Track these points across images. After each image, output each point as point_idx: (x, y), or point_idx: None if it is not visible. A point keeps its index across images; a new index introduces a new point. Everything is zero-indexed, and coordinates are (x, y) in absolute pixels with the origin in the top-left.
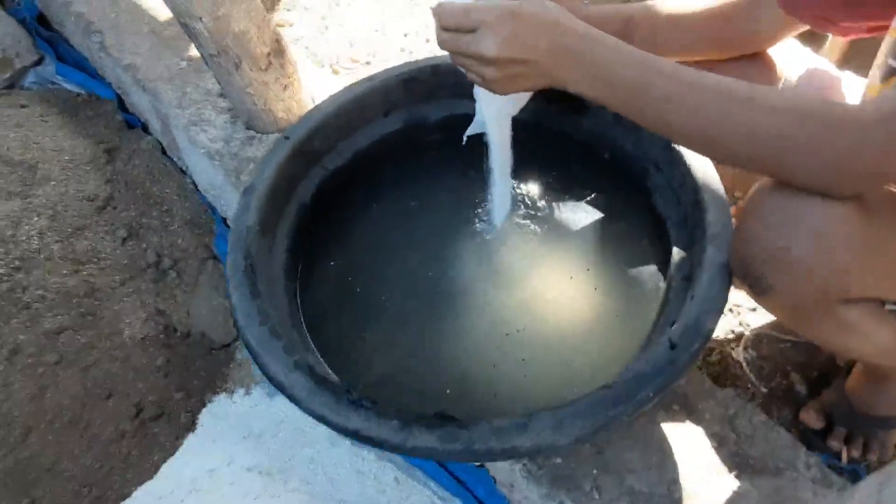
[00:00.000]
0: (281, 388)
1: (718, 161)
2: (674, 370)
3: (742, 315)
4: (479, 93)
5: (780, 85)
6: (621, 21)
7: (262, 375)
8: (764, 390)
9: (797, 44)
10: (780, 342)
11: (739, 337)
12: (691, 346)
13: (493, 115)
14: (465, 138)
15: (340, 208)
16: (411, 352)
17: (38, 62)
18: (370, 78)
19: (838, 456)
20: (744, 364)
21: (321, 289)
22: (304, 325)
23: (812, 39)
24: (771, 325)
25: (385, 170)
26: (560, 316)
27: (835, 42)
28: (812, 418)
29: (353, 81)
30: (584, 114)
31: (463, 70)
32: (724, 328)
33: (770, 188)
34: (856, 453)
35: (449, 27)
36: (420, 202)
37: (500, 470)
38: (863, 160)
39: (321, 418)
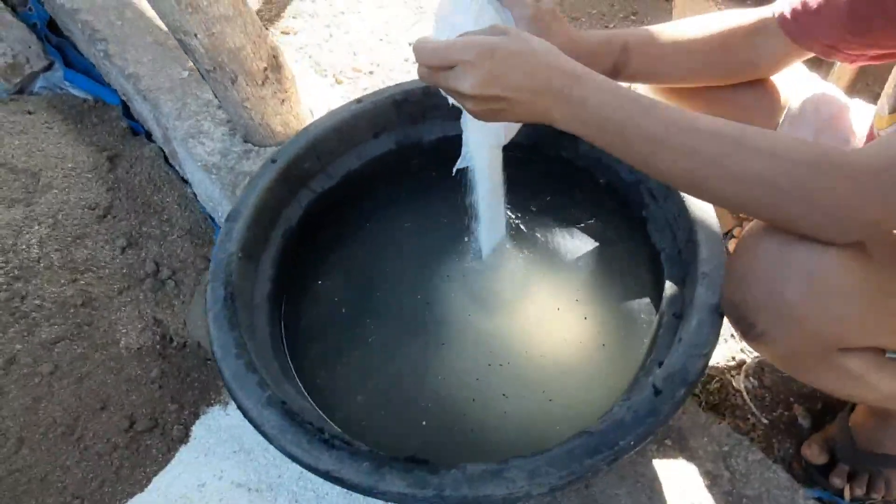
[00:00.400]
0: (253, 423)
1: (709, 202)
2: (656, 419)
3: (745, 343)
4: (466, 124)
5: (784, 112)
6: (618, 48)
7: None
8: (765, 422)
9: (804, 69)
10: (783, 372)
11: (741, 364)
12: (675, 394)
13: (480, 147)
14: (454, 171)
15: (329, 231)
16: (393, 380)
17: (48, 67)
18: (359, 100)
19: (841, 494)
20: (744, 393)
21: (307, 314)
22: (286, 352)
23: (819, 65)
24: None
25: (376, 192)
26: (546, 350)
27: (843, 68)
28: (814, 453)
29: (342, 105)
30: (580, 138)
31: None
32: (725, 355)
33: (763, 229)
34: (859, 492)
35: (428, 65)
36: (411, 225)
37: None
38: (861, 209)
39: (292, 457)
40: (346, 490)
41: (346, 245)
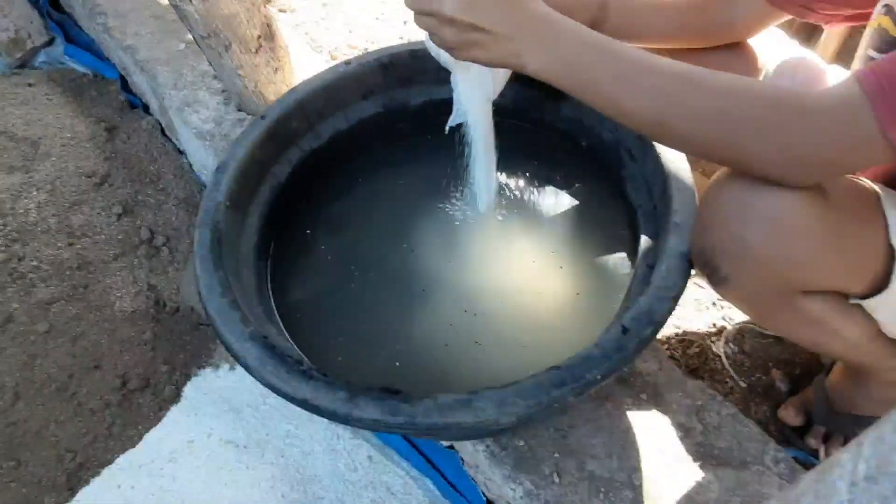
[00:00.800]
0: (235, 356)
1: (674, 147)
2: (623, 355)
3: (726, 309)
4: (458, 81)
5: (761, 76)
6: (595, 5)
7: None
8: (743, 385)
9: (782, 34)
10: (763, 337)
11: (721, 331)
12: (642, 333)
13: (472, 102)
14: (447, 128)
15: (317, 188)
16: (371, 325)
17: (49, 43)
18: (348, 62)
19: (816, 454)
20: (724, 358)
21: (292, 264)
22: (271, 298)
23: (809, 38)
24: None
25: (364, 152)
26: (522, 301)
27: (828, 39)
28: (791, 415)
29: (330, 66)
30: (563, 101)
31: (427, 32)
32: (706, 321)
33: (727, 178)
34: (834, 452)
35: None
36: (398, 184)
37: (467, 451)
38: (817, 147)
39: (272, 387)
40: (331, 448)
41: (334, 201)
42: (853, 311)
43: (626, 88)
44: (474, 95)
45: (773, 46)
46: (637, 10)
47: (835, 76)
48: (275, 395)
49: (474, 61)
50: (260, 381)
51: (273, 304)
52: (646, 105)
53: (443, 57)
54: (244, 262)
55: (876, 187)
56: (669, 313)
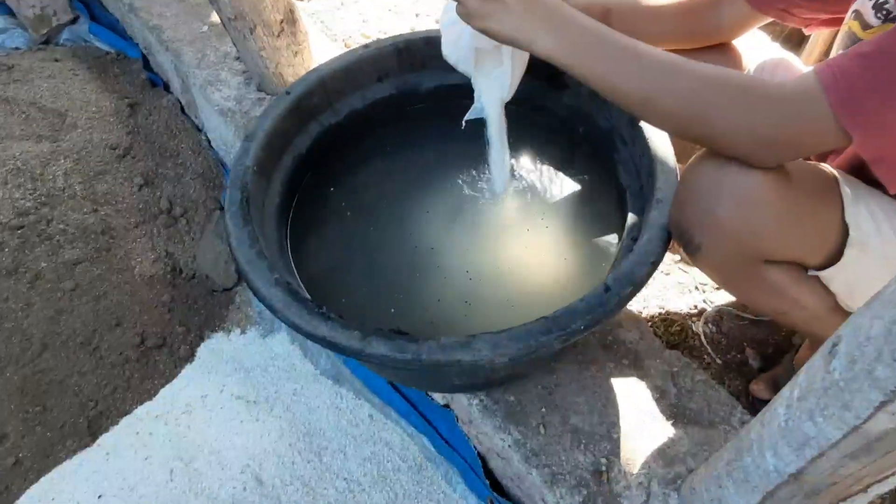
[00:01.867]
0: (262, 300)
1: (657, 125)
2: (604, 309)
3: (707, 293)
4: (477, 83)
5: (745, 71)
6: (600, 11)
7: (257, 313)
8: (719, 362)
9: (765, 37)
10: (740, 319)
11: (701, 312)
12: (622, 290)
13: (490, 103)
14: (464, 123)
15: (334, 160)
16: (376, 278)
17: (74, 21)
18: (367, 45)
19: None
20: (702, 336)
21: (309, 225)
22: (290, 254)
23: (800, 45)
24: (733, 304)
25: (377, 131)
26: (514, 268)
27: (813, 45)
28: (761, 389)
29: (351, 48)
30: (564, 91)
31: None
32: (688, 303)
33: (702, 157)
34: None
35: None
36: (408, 160)
37: (461, 407)
38: (779, 129)
39: (295, 326)
40: (335, 405)
41: (348, 173)
42: (812, 282)
43: (619, 70)
44: (492, 96)
45: (755, 47)
46: (637, 15)
47: None
48: (281, 357)
49: (485, 32)
50: (284, 322)
51: (291, 258)
52: (635, 85)
53: (461, 65)
54: (267, 221)
55: (835, 172)
56: (649, 276)
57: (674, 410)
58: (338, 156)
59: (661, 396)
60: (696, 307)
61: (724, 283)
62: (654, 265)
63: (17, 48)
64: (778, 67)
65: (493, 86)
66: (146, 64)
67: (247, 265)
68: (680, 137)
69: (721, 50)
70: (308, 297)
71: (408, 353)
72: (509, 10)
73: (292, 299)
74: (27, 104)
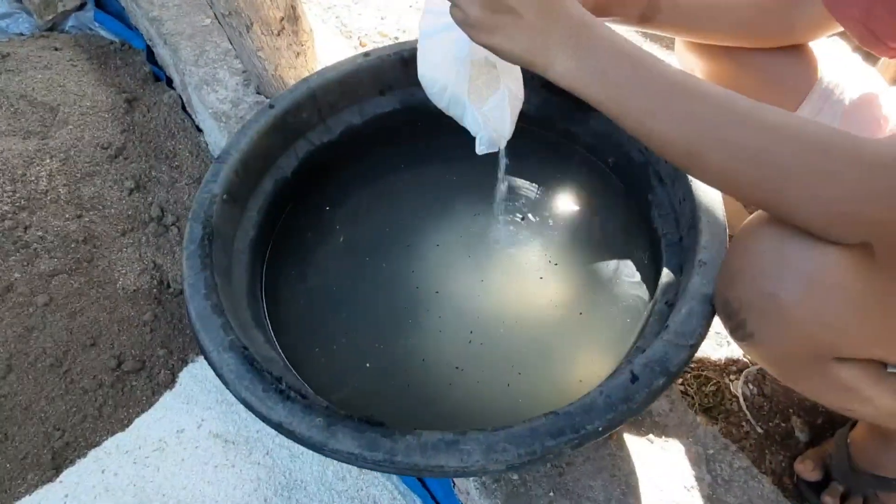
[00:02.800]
0: (212, 366)
1: (704, 181)
2: (629, 406)
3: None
4: (467, 121)
5: (818, 85)
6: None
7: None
8: (759, 431)
9: (846, 46)
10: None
11: (742, 370)
12: (653, 383)
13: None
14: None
15: (325, 185)
16: (360, 328)
17: (80, 7)
18: (367, 53)
19: None
20: (741, 399)
21: (289, 263)
22: (264, 300)
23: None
24: None
25: (376, 151)
26: (531, 328)
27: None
28: (808, 468)
29: (348, 57)
30: (592, 113)
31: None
32: (725, 357)
33: (761, 223)
34: None
35: None
36: (410, 186)
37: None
38: (866, 203)
39: (246, 404)
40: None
41: (341, 200)
42: (890, 380)
43: (660, 109)
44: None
45: (832, 56)
46: (691, 4)
47: (894, 97)
48: None
49: (491, 48)
50: (235, 396)
51: (265, 304)
52: (678, 131)
53: (448, 91)
54: (238, 258)
55: None
56: (685, 364)
57: None
58: (328, 180)
59: (692, 486)
60: (734, 363)
61: (778, 374)
62: (694, 349)
63: (20, 34)
64: (856, 83)
65: (487, 124)
66: (150, 56)
67: (198, 321)
68: (734, 198)
69: (794, 53)
70: (270, 366)
71: (379, 451)
72: (526, 23)
73: (246, 369)
74: (17, 97)
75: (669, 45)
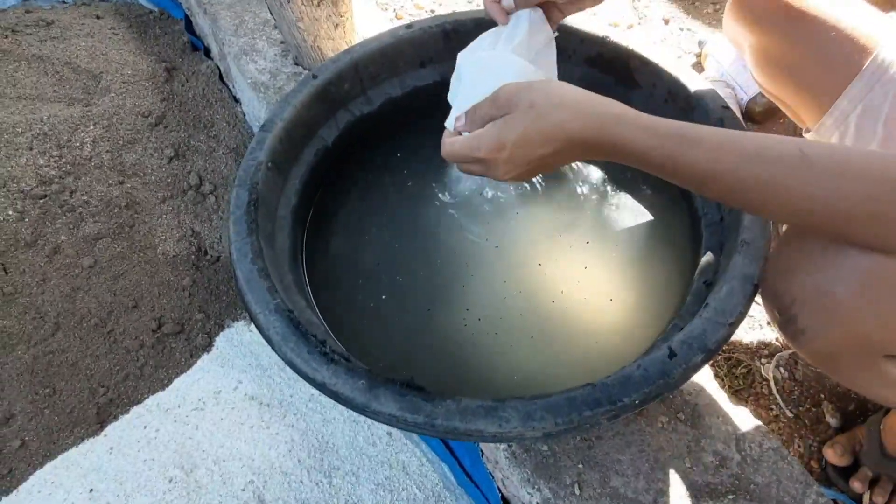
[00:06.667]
0: (259, 328)
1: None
2: (666, 381)
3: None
4: None
5: (871, 62)
6: None
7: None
8: (790, 415)
9: None
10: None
11: (773, 353)
12: (690, 360)
13: None
14: None
15: (364, 155)
16: (399, 294)
17: None
18: (409, 25)
19: (859, 499)
20: (772, 383)
21: (330, 231)
22: (304, 266)
23: None
24: None
25: (416, 123)
26: (572, 301)
27: None
28: (837, 454)
29: (390, 28)
30: (634, 89)
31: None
32: (757, 340)
33: None
34: (880, 500)
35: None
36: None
37: (487, 445)
38: None
39: (291, 364)
40: (353, 419)
41: (381, 170)
42: None
43: (709, 181)
44: None
45: (891, 33)
46: None
47: None
48: None
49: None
50: (280, 357)
51: (305, 271)
52: (734, 195)
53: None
54: (280, 225)
55: None
56: (725, 341)
57: (735, 483)
58: (369, 151)
59: (721, 464)
60: (766, 346)
61: (826, 368)
62: (733, 326)
63: (63, 1)
64: None
65: None
66: (188, 25)
67: (245, 284)
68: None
69: (846, 28)
70: (313, 329)
71: (420, 414)
72: (553, 158)
73: (291, 332)
74: (62, 64)
75: (715, 23)
